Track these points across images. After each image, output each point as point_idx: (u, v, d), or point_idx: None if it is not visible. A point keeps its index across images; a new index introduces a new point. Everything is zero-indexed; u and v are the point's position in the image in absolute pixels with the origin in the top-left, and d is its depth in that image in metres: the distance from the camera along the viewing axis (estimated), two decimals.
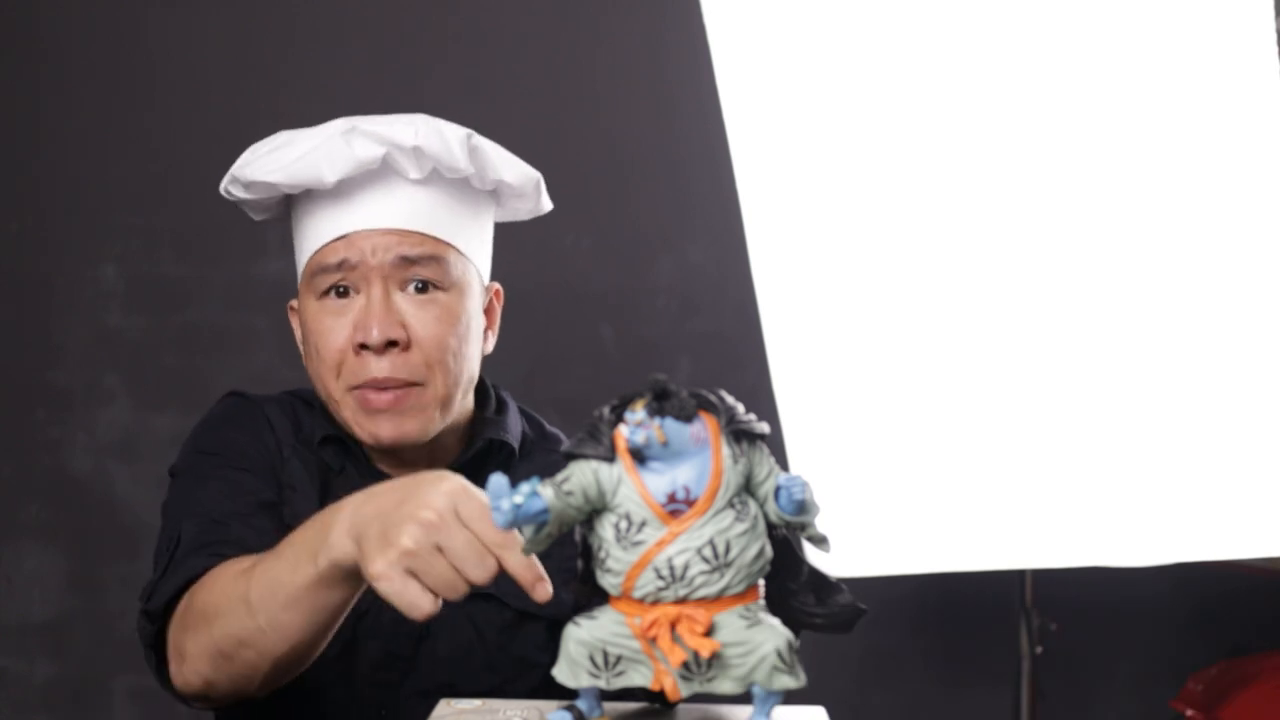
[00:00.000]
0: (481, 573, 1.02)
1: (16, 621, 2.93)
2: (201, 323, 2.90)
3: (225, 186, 1.42)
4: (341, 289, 1.37)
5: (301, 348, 1.44)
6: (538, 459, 1.46)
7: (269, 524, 1.35)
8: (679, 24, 2.50)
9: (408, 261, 1.36)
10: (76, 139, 2.93)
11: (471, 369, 1.42)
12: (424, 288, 1.37)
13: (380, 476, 1.41)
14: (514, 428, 1.48)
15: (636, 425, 0.89)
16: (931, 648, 2.91)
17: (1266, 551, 2.11)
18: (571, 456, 0.91)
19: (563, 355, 2.88)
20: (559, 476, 0.91)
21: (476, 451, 1.43)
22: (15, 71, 2.94)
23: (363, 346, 1.35)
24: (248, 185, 1.39)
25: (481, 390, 1.49)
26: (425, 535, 1.02)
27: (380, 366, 1.35)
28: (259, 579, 1.16)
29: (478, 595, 1.30)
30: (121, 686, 2.92)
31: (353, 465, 1.42)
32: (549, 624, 1.37)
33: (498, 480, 0.89)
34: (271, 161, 1.36)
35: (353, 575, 1.12)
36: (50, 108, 2.93)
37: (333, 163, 1.33)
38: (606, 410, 0.91)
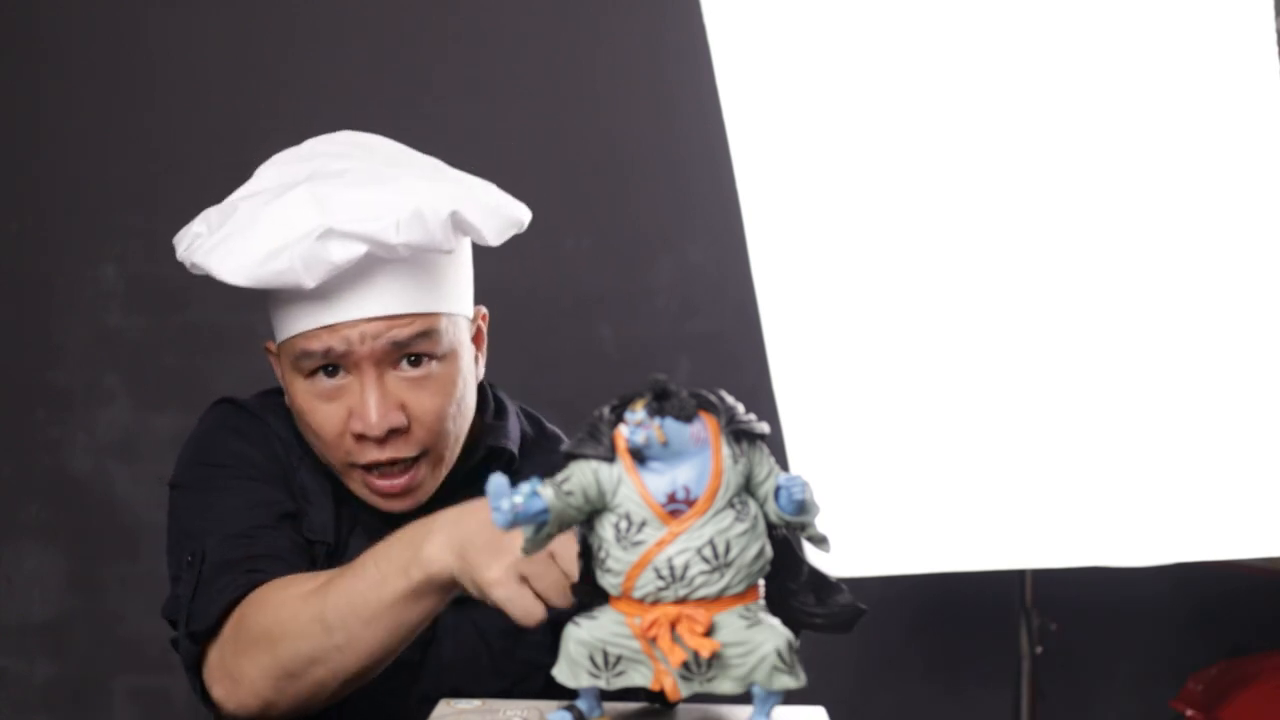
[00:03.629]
0: None
1: (16, 621, 2.93)
2: (201, 323, 2.90)
3: (179, 257, 1.35)
4: (330, 369, 1.32)
5: (287, 398, 1.39)
6: (538, 458, 1.44)
7: (295, 535, 1.33)
8: (679, 24, 2.50)
9: (399, 345, 1.31)
10: (76, 139, 2.93)
11: (469, 418, 1.39)
12: (417, 360, 1.32)
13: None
14: (514, 432, 1.46)
15: (636, 425, 0.89)
16: (931, 648, 2.91)
17: (1266, 551, 2.11)
18: (571, 456, 0.92)
19: (563, 355, 2.88)
20: (559, 476, 0.91)
21: (479, 460, 1.41)
22: (15, 71, 2.94)
23: (361, 436, 1.32)
24: (204, 273, 1.32)
25: (480, 394, 1.46)
26: None
27: (383, 451, 1.32)
28: (336, 597, 1.17)
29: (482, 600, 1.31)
30: (121, 686, 2.92)
31: None
32: (552, 625, 1.37)
33: (497, 480, 0.89)
34: (233, 257, 1.28)
35: (444, 588, 1.14)
36: (50, 108, 2.93)
37: (309, 269, 1.25)
38: (606, 410, 0.91)
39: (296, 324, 1.32)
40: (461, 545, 1.10)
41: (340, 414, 1.32)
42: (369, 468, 1.34)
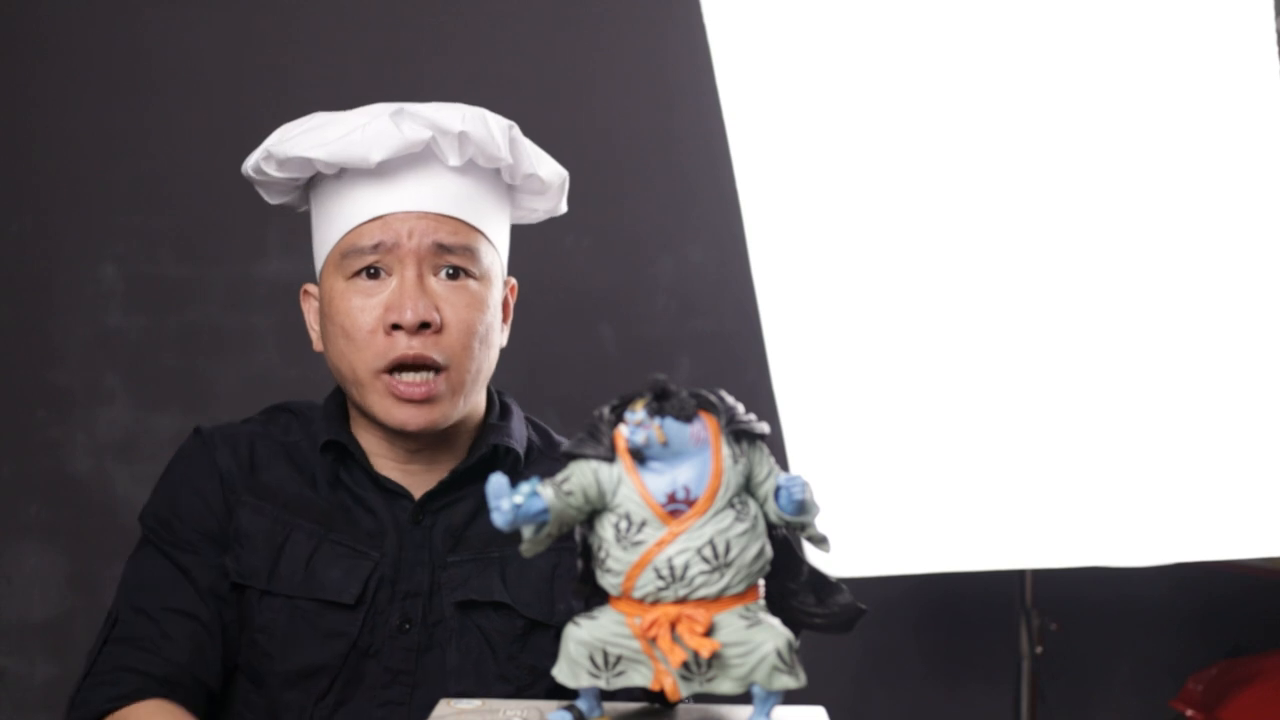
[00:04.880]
0: None
1: (16, 621, 2.93)
2: (201, 323, 2.90)
3: (255, 164, 1.41)
4: (373, 270, 1.38)
5: (316, 334, 1.44)
6: (544, 467, 1.44)
7: (209, 609, 1.38)
8: (679, 24, 2.50)
9: (443, 249, 1.37)
10: (76, 139, 2.93)
11: (491, 359, 1.43)
12: (455, 274, 1.38)
13: (380, 482, 1.41)
14: (519, 433, 1.47)
15: (636, 425, 0.89)
16: (931, 648, 2.91)
17: (1266, 551, 2.11)
18: (571, 456, 0.92)
19: (563, 355, 2.88)
20: (559, 476, 0.91)
21: (481, 457, 1.42)
22: (15, 71, 2.94)
23: (395, 327, 1.36)
24: (283, 162, 1.38)
25: (486, 396, 1.48)
26: None
27: (411, 345, 1.36)
28: None
29: (489, 604, 1.32)
30: None
31: (348, 473, 1.42)
32: (558, 632, 1.37)
33: (497, 480, 0.89)
34: (312, 138, 1.37)
35: None
36: (50, 108, 2.93)
37: (379, 143, 1.34)
38: (606, 410, 0.92)
39: (352, 216, 1.38)
40: None
41: (376, 310, 1.37)
42: (395, 371, 1.37)
